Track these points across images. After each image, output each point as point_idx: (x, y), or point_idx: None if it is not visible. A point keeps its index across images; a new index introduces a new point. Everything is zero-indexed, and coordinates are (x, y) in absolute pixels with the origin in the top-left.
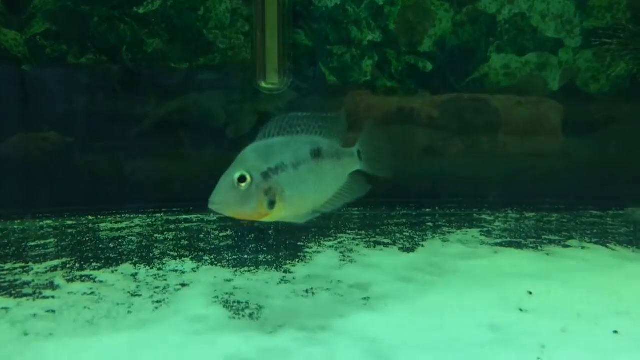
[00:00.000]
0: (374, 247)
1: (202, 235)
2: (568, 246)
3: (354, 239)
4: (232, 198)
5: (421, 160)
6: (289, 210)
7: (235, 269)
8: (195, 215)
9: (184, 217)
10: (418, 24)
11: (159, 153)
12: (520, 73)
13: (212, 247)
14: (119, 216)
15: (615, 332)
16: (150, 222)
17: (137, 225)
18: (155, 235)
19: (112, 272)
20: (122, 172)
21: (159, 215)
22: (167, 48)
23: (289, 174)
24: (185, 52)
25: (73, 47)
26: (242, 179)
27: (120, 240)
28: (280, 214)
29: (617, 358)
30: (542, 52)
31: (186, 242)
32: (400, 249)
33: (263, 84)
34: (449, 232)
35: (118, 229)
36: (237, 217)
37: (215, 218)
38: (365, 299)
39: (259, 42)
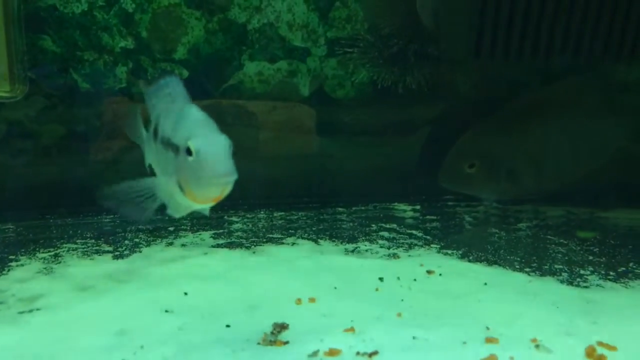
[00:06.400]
0: (89, 256)
1: None
2: (282, 243)
3: (76, 249)
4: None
5: None
6: None
7: None
8: None
9: None
10: (170, 31)
11: None
12: (274, 80)
13: None
14: None
15: (228, 326)
16: None
17: None
18: None
19: None
20: None
21: None
22: None
23: None
24: None
25: None
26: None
27: None
28: None
29: (203, 350)
30: (292, 60)
31: None
32: (114, 256)
33: None
34: (182, 236)
35: None
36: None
37: None
38: (20, 312)
39: None
